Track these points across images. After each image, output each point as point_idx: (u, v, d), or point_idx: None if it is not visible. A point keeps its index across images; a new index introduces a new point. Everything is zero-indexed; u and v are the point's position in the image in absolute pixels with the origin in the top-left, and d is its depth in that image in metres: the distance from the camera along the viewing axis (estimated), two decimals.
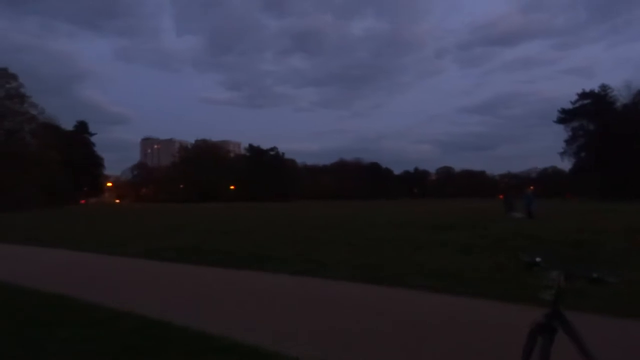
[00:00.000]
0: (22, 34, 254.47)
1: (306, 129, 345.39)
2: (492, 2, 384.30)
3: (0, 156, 55.40)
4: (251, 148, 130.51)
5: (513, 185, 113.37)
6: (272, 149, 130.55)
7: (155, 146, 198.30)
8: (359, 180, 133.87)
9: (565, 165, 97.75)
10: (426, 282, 7.13)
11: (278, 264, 9.20)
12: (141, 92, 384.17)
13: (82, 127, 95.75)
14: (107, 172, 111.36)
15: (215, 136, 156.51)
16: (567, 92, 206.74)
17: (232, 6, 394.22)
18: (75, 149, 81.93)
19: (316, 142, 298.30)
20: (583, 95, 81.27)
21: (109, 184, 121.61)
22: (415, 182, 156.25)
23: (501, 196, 53.98)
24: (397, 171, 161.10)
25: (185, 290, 7.03)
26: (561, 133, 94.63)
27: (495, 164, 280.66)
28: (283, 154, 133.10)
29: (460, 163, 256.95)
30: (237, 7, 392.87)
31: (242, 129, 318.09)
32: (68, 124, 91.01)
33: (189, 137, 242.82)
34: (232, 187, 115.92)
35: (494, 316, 5.32)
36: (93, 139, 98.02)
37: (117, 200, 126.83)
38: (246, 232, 17.05)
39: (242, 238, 14.52)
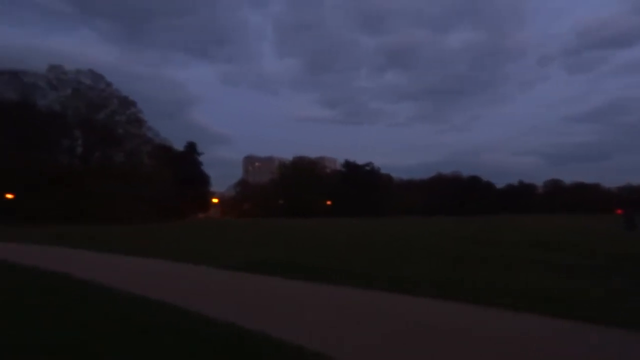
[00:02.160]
0: (142, 65, 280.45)
1: (402, 144, 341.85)
2: (600, 3, 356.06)
3: (122, 175, 61.35)
4: (347, 164, 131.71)
5: (634, 199, 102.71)
6: (368, 164, 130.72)
7: (256, 164, 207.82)
8: (457, 195, 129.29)
9: None
10: (525, 305, 6.72)
11: (364, 279, 9.20)
12: (244, 114, 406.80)
13: (191, 148, 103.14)
14: (213, 188, 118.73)
15: (312, 153, 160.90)
16: None
17: (329, 27, 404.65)
18: (185, 167, 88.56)
19: (412, 157, 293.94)
20: None
21: (215, 200, 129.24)
22: (520, 196, 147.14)
23: (620, 211, 49.11)
24: (498, 185, 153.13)
25: (278, 303, 7.27)
26: None
27: (610, 175, 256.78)
28: (378, 169, 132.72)
29: (569, 175, 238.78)
30: (333, 28, 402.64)
31: (338, 145, 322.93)
32: (179, 145, 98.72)
33: (288, 154, 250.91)
34: (328, 203, 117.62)
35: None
36: (201, 158, 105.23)
37: (222, 216, 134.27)
38: (335, 247, 17.22)
39: (330, 253, 14.70)
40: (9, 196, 51.87)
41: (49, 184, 53.79)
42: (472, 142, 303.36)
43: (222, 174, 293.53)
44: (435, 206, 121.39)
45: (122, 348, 4.78)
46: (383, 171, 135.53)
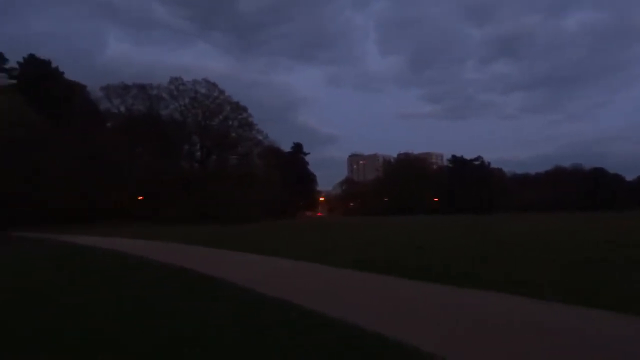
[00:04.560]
0: (251, 72, 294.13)
1: (513, 137, 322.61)
2: None
3: (236, 176, 65.27)
4: (454, 159, 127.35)
5: None
6: (477, 158, 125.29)
7: (361, 162, 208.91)
8: (578, 190, 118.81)
9: None
10: None
11: (478, 281, 8.87)
12: (348, 113, 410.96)
13: (297, 148, 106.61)
14: (319, 187, 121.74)
15: (417, 149, 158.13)
16: None
17: (433, 21, 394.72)
18: (292, 168, 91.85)
19: (524, 150, 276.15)
20: None
21: (321, 199, 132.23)
22: None
23: None
24: (628, 177, 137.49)
25: (391, 302, 7.28)
26: None
27: None
28: (489, 163, 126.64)
29: None
30: (438, 22, 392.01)
31: (444, 141, 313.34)
32: (286, 146, 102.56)
33: (392, 151, 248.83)
34: (434, 200, 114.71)
35: None
36: (307, 158, 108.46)
37: (328, 214, 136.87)
38: (442, 246, 16.74)
39: (437, 253, 14.33)
40: (140, 198, 57.56)
41: (173, 187, 58.79)
42: (594, 131, 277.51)
43: (328, 173, 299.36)
44: (555, 201, 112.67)
45: (237, 346, 4.99)
46: (493, 166, 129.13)
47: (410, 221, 48.16)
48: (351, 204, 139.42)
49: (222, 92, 72.52)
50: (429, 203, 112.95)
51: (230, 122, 73.80)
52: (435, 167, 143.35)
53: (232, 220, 49.95)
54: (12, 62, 59.01)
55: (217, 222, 48.31)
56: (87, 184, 49.75)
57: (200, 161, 72.10)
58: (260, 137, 76.42)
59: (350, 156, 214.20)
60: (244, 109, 74.08)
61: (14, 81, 57.53)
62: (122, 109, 68.11)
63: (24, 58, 59.63)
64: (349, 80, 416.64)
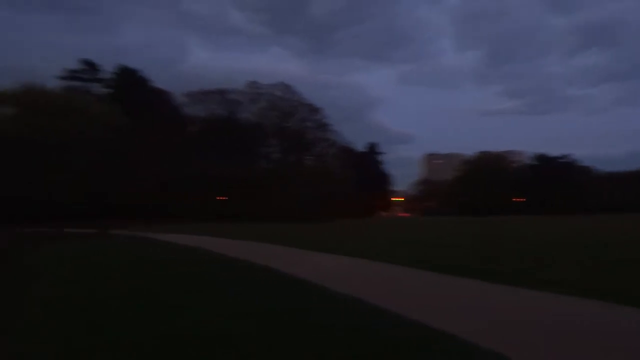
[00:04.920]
0: (326, 74, 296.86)
1: (603, 132, 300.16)
2: None
3: (312, 176, 66.09)
4: (538, 157, 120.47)
5: None
6: (562, 156, 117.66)
7: (437, 161, 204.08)
8: None
9: None
10: None
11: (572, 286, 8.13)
12: (423, 112, 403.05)
13: (372, 148, 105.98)
14: (394, 187, 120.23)
15: (497, 147, 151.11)
16: None
17: (514, 13, 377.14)
18: (366, 167, 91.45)
19: (617, 146, 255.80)
20: None
21: (397, 199, 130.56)
22: None
23: None
24: None
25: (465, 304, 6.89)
26: None
27: None
28: (576, 161, 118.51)
29: None
30: (519, 14, 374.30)
31: (526, 137, 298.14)
32: (361, 146, 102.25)
33: (470, 150, 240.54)
34: (517, 199, 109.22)
35: None
36: (381, 157, 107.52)
37: (405, 214, 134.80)
38: (542, 248, 15.71)
39: (534, 254, 13.44)
40: (221, 198, 59.85)
41: (251, 187, 60.61)
42: None
43: (404, 172, 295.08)
44: None
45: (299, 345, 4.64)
46: (581, 163, 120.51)
47: (499, 221, 46.20)
48: (428, 204, 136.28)
49: (297, 94, 73.83)
50: (510, 203, 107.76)
51: (306, 124, 74.87)
52: (516, 165, 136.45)
53: (307, 220, 50.54)
54: (106, 72, 63.79)
55: (293, 221, 49.10)
56: (169, 184, 52.52)
57: (277, 162, 73.77)
58: (334, 138, 76.92)
59: (426, 155, 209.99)
60: (319, 110, 74.88)
61: (108, 90, 62.17)
62: (203, 113, 71.29)
63: (115, 68, 64.18)
64: (423, 78, 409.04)
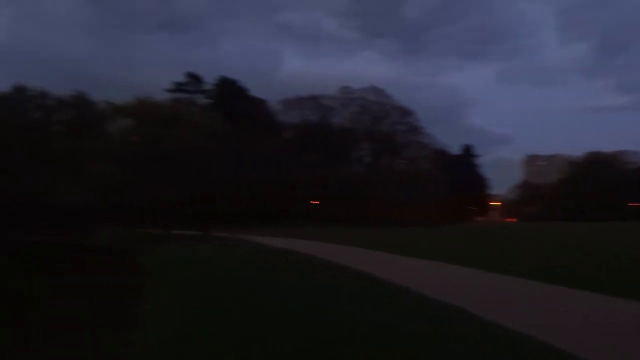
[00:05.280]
0: (418, 75, 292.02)
1: None
2: None
3: (404, 181, 65.55)
4: None
5: None
6: None
7: (539, 163, 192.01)
8: None
9: None
10: None
11: None
12: (523, 111, 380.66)
13: (467, 151, 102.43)
14: (492, 191, 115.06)
15: (608, 147, 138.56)
16: None
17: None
18: (461, 171, 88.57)
19: None
20: None
21: (495, 203, 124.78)
22: None
23: None
24: None
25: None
26: None
27: None
28: None
29: None
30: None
31: None
32: (455, 149, 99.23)
33: (576, 150, 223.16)
34: (632, 204, 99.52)
35: None
36: (478, 160, 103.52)
37: (506, 219, 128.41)
38: None
39: None
40: (315, 202, 61.36)
41: (343, 191, 61.48)
42: None
43: (502, 175, 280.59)
44: None
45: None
46: None
47: (598, 228, 42.70)
48: (529, 208, 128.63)
49: (389, 97, 73.66)
50: (625, 208, 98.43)
51: (397, 127, 74.39)
52: (633, 167, 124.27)
53: (399, 224, 50.25)
54: (208, 84, 68.35)
55: (385, 226, 49.07)
56: (265, 189, 54.87)
57: (369, 166, 74.05)
58: (427, 141, 75.60)
59: (526, 157, 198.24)
60: (411, 113, 74.05)
61: (210, 100, 66.54)
62: (297, 119, 73.58)
63: (216, 80, 68.43)
64: (523, 75, 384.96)
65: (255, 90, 72.45)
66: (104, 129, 60.59)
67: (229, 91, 66.10)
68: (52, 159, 58.00)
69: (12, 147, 57.52)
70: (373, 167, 73.69)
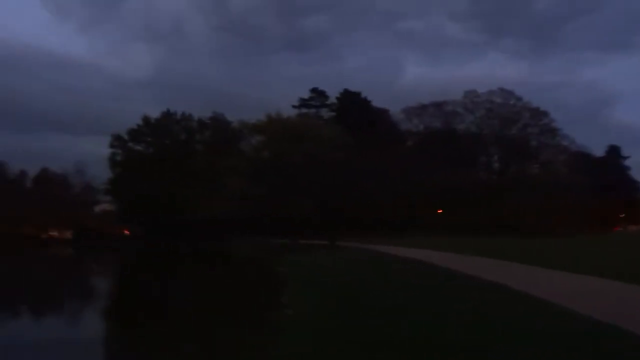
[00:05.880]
0: (550, 74, 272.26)
1: None
2: None
3: (538, 186, 61.01)
4: None
5: None
6: None
7: None
8: None
9: None
10: None
11: None
12: None
13: (613, 151, 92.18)
14: None
15: None
16: None
17: None
18: (606, 174, 79.89)
19: None
20: None
21: None
22: None
23: None
24: None
25: None
26: None
27: None
28: None
29: None
30: None
31: None
32: (598, 150, 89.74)
33: None
34: None
35: None
36: (627, 162, 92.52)
37: None
38: None
39: None
40: (439, 211, 59.80)
41: (471, 199, 59.06)
42: None
43: None
44: None
45: None
46: None
47: None
48: None
49: (518, 99, 69.36)
50: None
51: (530, 130, 69.70)
52: None
53: (534, 233, 46.83)
54: (332, 98, 70.64)
55: (518, 235, 46.08)
56: (390, 198, 54.75)
57: (498, 172, 70.26)
58: (565, 143, 69.65)
59: None
60: (545, 114, 68.88)
61: (334, 113, 68.61)
62: (421, 127, 72.51)
63: (339, 93, 70.35)
64: None
65: (378, 100, 73.04)
66: (238, 146, 65.70)
67: (352, 103, 67.54)
68: (194, 175, 64.37)
69: (163, 166, 64.74)
70: (503, 173, 69.72)
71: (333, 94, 71.19)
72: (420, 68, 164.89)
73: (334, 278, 15.21)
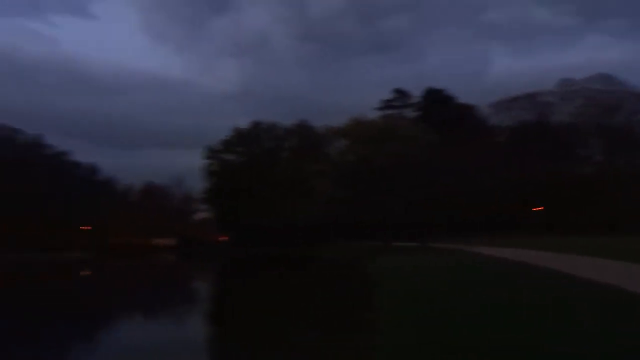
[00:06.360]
0: None
1: None
2: None
3: None
4: None
5: None
6: None
7: None
8: None
9: None
10: None
11: None
12: None
13: None
14: None
15: None
16: None
17: None
18: None
19: None
20: None
21: None
22: None
23: None
24: None
25: None
26: None
27: None
28: None
29: None
30: None
31: None
32: None
33: None
34: None
35: None
36: None
37: None
38: None
39: None
40: (537, 209, 56.45)
41: (569, 195, 55.24)
42: None
43: None
44: None
45: None
46: None
47: None
48: None
49: (621, 84, 63.85)
50: None
51: (637, 117, 63.85)
52: None
53: None
54: (415, 97, 69.60)
55: (628, 234, 42.32)
56: (479, 197, 52.69)
57: (600, 165, 65.04)
58: None
59: None
60: None
61: (417, 112, 67.56)
62: (510, 121, 69.16)
63: (422, 92, 69.20)
64: None
65: (463, 97, 70.83)
66: (324, 151, 66.85)
67: (436, 101, 66.13)
68: (283, 181, 66.48)
69: (253, 173, 67.61)
70: (606, 165, 64.36)
71: (416, 93, 70.27)
72: (509, 59, 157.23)
73: (425, 278, 15.09)
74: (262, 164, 70.06)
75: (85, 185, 72.55)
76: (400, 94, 69.43)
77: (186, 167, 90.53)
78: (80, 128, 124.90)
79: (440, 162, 53.36)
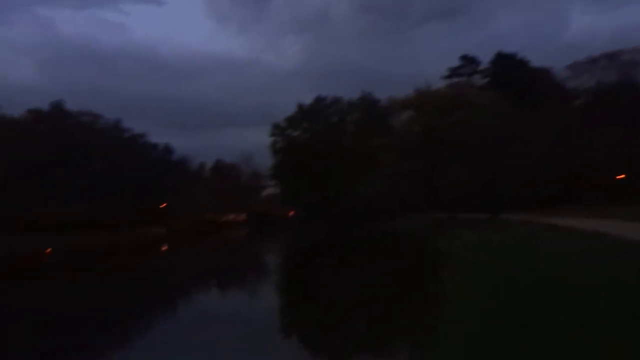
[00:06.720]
0: None
1: None
2: None
3: None
4: None
5: None
6: None
7: None
8: None
9: None
10: None
11: None
12: None
13: None
14: None
15: None
16: None
17: None
18: None
19: None
20: None
21: None
22: None
23: None
24: None
25: None
26: None
27: None
28: None
29: None
30: None
31: None
32: None
33: None
34: None
35: None
36: None
37: None
38: None
39: None
40: (619, 177, 52.51)
41: None
42: None
43: None
44: None
45: None
46: None
47: None
48: None
49: None
50: None
51: None
52: None
53: None
54: (484, 64, 66.45)
55: None
56: (556, 167, 49.81)
57: None
58: None
59: None
60: None
61: (487, 79, 64.51)
62: (590, 84, 64.35)
63: (492, 57, 65.83)
64: None
65: (538, 60, 66.85)
66: (388, 123, 65.82)
67: (507, 66, 62.74)
68: (347, 156, 66.40)
69: (318, 149, 68.05)
70: None
71: (485, 59, 67.03)
72: (588, 17, 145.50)
73: (497, 252, 14.69)
74: (327, 139, 70.27)
75: (161, 165, 76.17)
76: (468, 60, 66.45)
77: (254, 144, 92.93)
78: (153, 111, 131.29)
79: (512, 129, 50.88)
